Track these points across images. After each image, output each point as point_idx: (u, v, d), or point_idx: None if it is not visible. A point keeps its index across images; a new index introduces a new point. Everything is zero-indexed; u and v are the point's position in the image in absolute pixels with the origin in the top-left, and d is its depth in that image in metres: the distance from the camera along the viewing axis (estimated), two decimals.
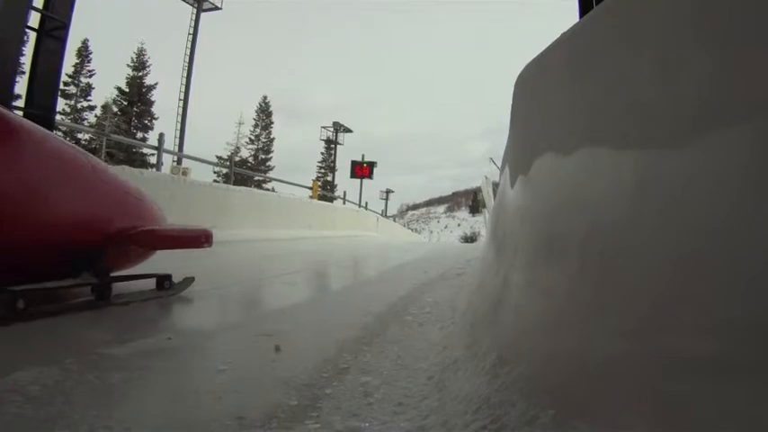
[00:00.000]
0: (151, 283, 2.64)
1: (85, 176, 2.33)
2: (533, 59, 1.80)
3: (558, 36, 1.53)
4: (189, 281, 2.81)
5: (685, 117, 0.88)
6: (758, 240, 0.67)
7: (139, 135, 28.52)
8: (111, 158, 18.72)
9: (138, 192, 2.74)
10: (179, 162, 12.60)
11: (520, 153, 1.81)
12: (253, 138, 38.07)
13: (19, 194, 1.94)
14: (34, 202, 2.02)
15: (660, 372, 0.74)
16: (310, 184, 15.91)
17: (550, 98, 1.59)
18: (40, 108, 4.79)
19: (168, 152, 10.90)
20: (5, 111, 2.05)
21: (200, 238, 2.89)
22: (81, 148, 2.85)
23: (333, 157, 33.93)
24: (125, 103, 30.22)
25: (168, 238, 2.79)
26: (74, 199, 2.23)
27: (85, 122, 26.32)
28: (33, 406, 1.20)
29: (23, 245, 1.99)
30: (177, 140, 19.07)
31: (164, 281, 2.66)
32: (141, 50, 31.90)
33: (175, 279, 2.72)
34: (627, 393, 0.79)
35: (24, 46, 5.61)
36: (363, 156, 26.77)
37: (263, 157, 36.88)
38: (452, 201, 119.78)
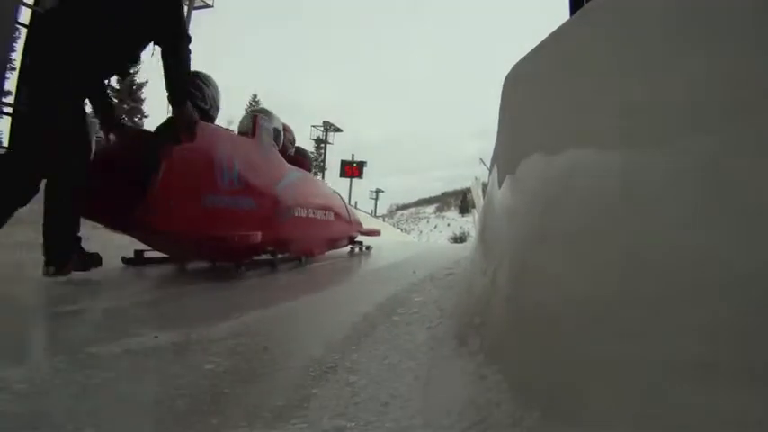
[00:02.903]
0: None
1: (345, 205, 5.79)
2: (522, 59, 1.80)
3: (548, 35, 1.53)
4: (370, 248, 6.28)
5: (673, 118, 0.87)
6: (748, 241, 0.67)
7: None
8: None
9: (351, 207, 6.36)
10: None
11: (508, 153, 1.81)
12: None
13: (348, 217, 5.52)
14: (350, 221, 5.60)
15: (649, 374, 0.73)
16: None
17: (538, 98, 1.59)
18: None
19: None
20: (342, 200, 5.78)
21: (378, 231, 6.95)
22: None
23: (322, 157, 33.89)
24: (115, 100, 29.90)
25: (371, 232, 6.51)
26: (351, 219, 5.63)
27: None
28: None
29: (346, 237, 5.60)
30: None
31: (368, 247, 6.23)
32: None
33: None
34: (615, 396, 0.78)
35: (15, 42, 5.71)
36: (353, 155, 26.80)
37: None
38: (442, 201, 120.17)
